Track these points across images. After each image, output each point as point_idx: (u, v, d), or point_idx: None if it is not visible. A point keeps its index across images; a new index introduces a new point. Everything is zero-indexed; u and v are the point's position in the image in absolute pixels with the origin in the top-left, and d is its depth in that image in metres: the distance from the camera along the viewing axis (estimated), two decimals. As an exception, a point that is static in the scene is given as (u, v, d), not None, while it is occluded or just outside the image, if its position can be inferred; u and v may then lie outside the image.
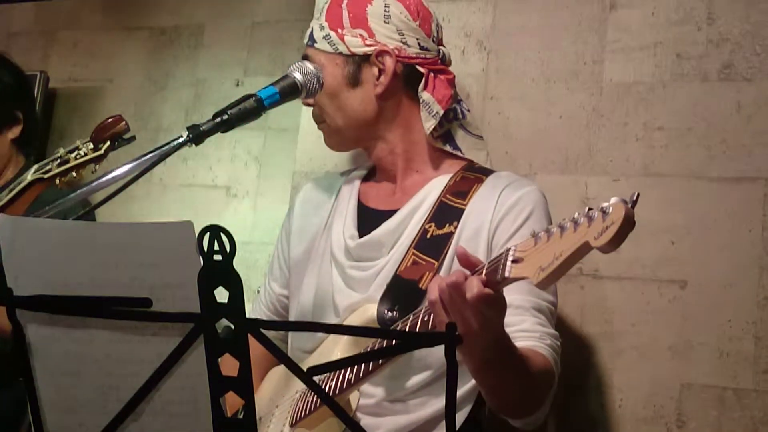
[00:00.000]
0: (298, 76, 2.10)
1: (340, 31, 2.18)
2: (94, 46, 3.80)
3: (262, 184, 3.36)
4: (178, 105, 3.56)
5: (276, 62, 3.32)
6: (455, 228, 2.08)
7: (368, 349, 1.89)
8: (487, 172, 2.19)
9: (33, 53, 3.74)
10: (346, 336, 2.04)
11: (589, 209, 1.50)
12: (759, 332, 2.21)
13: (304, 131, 2.79)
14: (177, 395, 1.38)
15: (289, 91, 2.08)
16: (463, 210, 2.10)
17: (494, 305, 1.66)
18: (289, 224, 2.37)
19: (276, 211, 3.02)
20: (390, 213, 2.17)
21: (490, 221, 2.07)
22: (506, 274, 1.61)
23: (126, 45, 3.74)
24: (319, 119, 2.26)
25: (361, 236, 2.17)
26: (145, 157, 1.92)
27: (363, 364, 1.86)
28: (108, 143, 2.27)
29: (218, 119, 1.97)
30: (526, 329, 1.96)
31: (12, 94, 3.20)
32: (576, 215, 1.52)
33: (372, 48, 2.16)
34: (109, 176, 1.91)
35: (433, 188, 2.17)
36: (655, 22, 2.43)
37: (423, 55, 2.19)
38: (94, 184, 1.92)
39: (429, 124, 2.17)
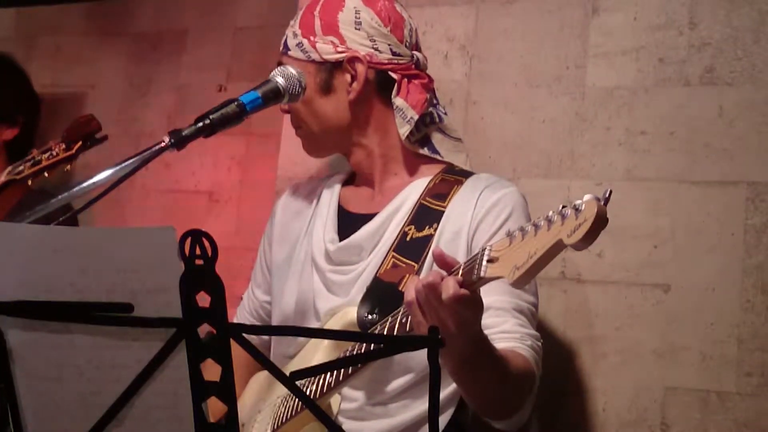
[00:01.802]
0: (280, 80, 2.09)
1: (312, 38, 2.19)
2: (76, 52, 3.78)
3: (245, 189, 3.35)
4: (160, 110, 3.54)
5: (259, 67, 3.30)
6: (435, 230, 2.08)
7: (349, 353, 1.89)
8: (467, 174, 2.20)
9: (14, 59, 3.72)
10: (326, 340, 2.04)
11: (563, 207, 1.50)
12: (742, 335, 2.21)
13: (287, 136, 2.79)
14: (159, 401, 1.37)
15: (272, 96, 2.08)
16: (442, 212, 2.10)
17: (470, 306, 1.66)
18: (271, 230, 2.37)
19: (259, 216, 3.01)
20: (369, 216, 2.17)
21: (469, 223, 2.07)
22: (482, 273, 1.61)
23: (108, 50, 3.72)
24: (296, 126, 2.27)
25: (341, 240, 2.17)
26: (127, 162, 1.91)
27: (343, 368, 1.86)
28: (80, 143, 2.25)
29: (200, 124, 1.96)
30: (506, 330, 1.96)
31: (16, 97, 3.20)
32: (550, 213, 1.52)
33: (343, 55, 2.17)
34: (91, 181, 1.90)
35: (413, 191, 2.17)
36: (637, 26, 2.43)
37: (395, 61, 2.19)
38: (76, 189, 1.91)
39: (404, 130, 2.17)
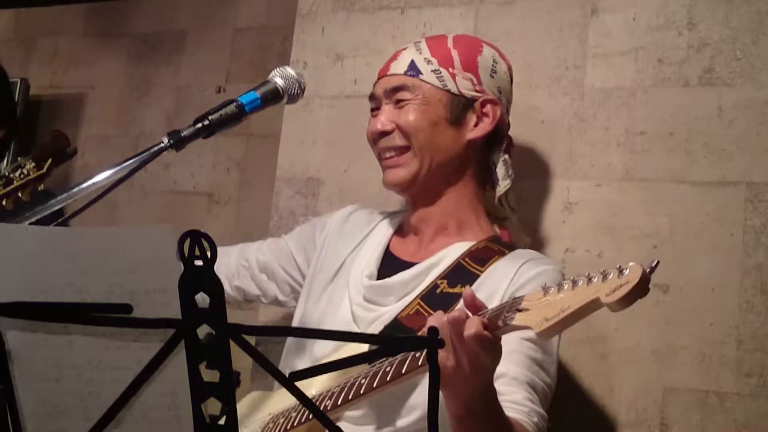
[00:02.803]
0: (279, 81, 2.08)
1: (451, 70, 2.19)
2: (75, 53, 3.79)
3: (244, 190, 3.35)
4: (159, 111, 3.55)
5: (258, 68, 3.31)
6: None
7: (355, 381, 1.84)
8: (512, 248, 2.18)
9: (13, 60, 3.72)
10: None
11: (606, 270, 1.50)
12: (741, 336, 2.21)
13: (286, 137, 2.79)
14: (158, 401, 1.37)
15: (271, 97, 2.07)
16: (478, 276, 2.09)
17: (489, 350, 1.62)
18: (324, 232, 2.36)
19: (258, 217, 3.02)
20: (408, 264, 2.17)
21: (504, 291, 2.03)
22: (508, 321, 1.58)
23: (107, 52, 3.73)
24: (398, 151, 2.20)
25: (378, 278, 2.17)
26: (126, 163, 1.90)
27: (343, 392, 1.84)
28: (50, 160, 2.24)
29: (199, 125, 1.95)
30: (516, 401, 1.90)
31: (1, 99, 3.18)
32: (590, 273, 1.52)
33: (479, 94, 2.19)
34: (90, 182, 1.89)
35: (454, 250, 2.15)
36: (636, 27, 2.44)
37: (506, 119, 2.25)
38: (75, 190, 1.91)
39: (505, 183, 2.23)
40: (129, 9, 3.73)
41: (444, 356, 1.63)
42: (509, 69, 2.28)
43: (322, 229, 2.38)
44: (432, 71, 2.19)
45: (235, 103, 2.00)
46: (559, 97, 2.49)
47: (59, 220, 1.89)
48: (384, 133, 2.21)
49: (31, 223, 1.88)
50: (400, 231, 2.30)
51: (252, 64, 3.42)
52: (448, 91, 2.18)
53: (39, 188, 2.27)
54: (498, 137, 2.23)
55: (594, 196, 2.41)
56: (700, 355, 2.25)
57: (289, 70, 2.11)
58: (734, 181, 2.28)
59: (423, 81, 2.19)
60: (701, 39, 2.37)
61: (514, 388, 1.92)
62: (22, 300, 1.38)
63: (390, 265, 2.20)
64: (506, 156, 2.24)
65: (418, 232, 2.24)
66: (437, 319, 1.66)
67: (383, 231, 2.30)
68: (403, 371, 1.74)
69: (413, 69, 2.21)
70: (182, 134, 1.93)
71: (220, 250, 2.39)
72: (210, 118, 1.96)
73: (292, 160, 2.77)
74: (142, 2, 3.72)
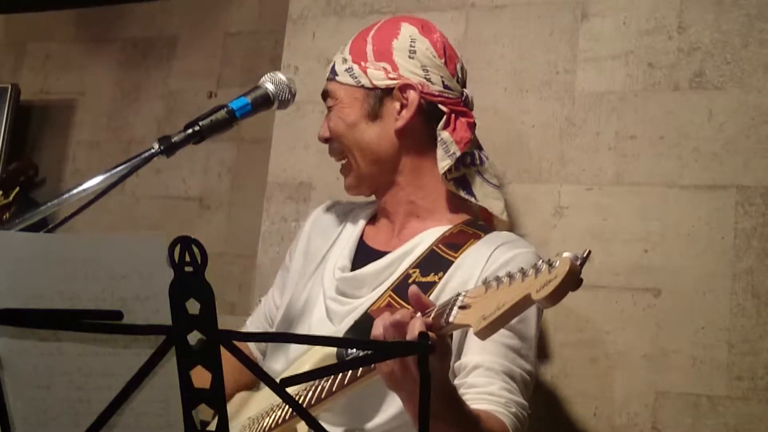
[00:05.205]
0: (270, 86, 2.08)
1: (363, 64, 2.14)
2: (65, 59, 3.78)
3: (236, 195, 3.35)
4: (150, 117, 3.55)
5: (249, 73, 3.31)
6: (439, 279, 2.01)
7: (320, 383, 1.82)
8: (487, 230, 2.12)
9: (3, 66, 3.72)
10: (313, 360, 2.00)
11: (543, 261, 1.45)
12: (732, 339, 2.22)
13: (277, 142, 2.79)
14: (149, 408, 1.37)
15: (261, 102, 2.07)
16: (452, 262, 2.03)
17: (434, 351, 1.52)
18: (297, 241, 2.34)
19: (250, 222, 3.01)
20: (382, 254, 2.13)
21: (478, 276, 1.98)
22: (450, 319, 1.55)
23: (98, 57, 3.72)
24: (339, 154, 2.22)
25: (353, 269, 2.13)
26: (117, 169, 1.90)
27: (308, 395, 1.83)
28: (17, 189, 2.22)
29: (189, 130, 1.95)
30: (491, 392, 1.86)
31: None
32: (526, 266, 1.47)
33: (395, 81, 2.12)
34: (81, 188, 1.89)
35: (428, 236, 2.11)
36: (627, 31, 2.44)
37: (446, 94, 2.14)
38: (66, 196, 1.90)
39: (444, 164, 2.11)
40: (120, 14, 3.72)
41: (391, 361, 1.59)
42: (435, 42, 2.15)
43: (297, 241, 2.35)
44: (345, 70, 2.16)
45: (225, 109, 2.00)
46: (549, 102, 2.49)
47: (49, 227, 1.89)
48: (326, 140, 2.22)
49: (20, 230, 1.88)
50: (373, 220, 2.26)
51: (243, 69, 3.41)
52: (363, 86, 2.14)
53: (4, 218, 2.23)
54: (431, 117, 2.14)
55: (585, 200, 2.42)
56: (691, 359, 2.25)
57: (280, 75, 2.12)
58: (725, 184, 2.29)
59: (339, 83, 2.17)
60: (691, 43, 2.37)
61: (489, 378, 1.88)
62: (12, 307, 1.37)
63: (363, 255, 2.16)
64: (445, 134, 2.11)
65: (389, 217, 2.21)
66: (382, 321, 1.62)
67: (357, 221, 2.26)
68: (358, 375, 1.72)
69: (333, 72, 2.20)
70: (173, 140, 1.94)
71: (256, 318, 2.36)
72: (200, 123, 1.96)
73: (284, 165, 2.77)
74: (132, 8, 3.72)
